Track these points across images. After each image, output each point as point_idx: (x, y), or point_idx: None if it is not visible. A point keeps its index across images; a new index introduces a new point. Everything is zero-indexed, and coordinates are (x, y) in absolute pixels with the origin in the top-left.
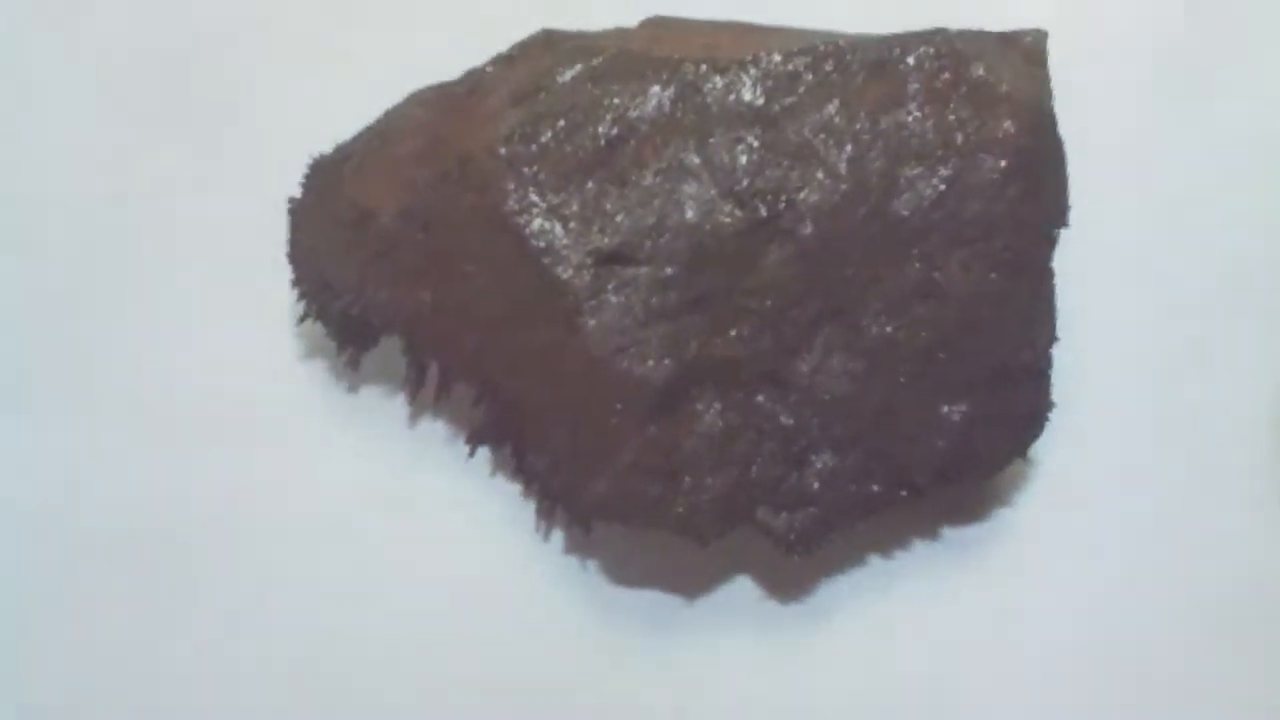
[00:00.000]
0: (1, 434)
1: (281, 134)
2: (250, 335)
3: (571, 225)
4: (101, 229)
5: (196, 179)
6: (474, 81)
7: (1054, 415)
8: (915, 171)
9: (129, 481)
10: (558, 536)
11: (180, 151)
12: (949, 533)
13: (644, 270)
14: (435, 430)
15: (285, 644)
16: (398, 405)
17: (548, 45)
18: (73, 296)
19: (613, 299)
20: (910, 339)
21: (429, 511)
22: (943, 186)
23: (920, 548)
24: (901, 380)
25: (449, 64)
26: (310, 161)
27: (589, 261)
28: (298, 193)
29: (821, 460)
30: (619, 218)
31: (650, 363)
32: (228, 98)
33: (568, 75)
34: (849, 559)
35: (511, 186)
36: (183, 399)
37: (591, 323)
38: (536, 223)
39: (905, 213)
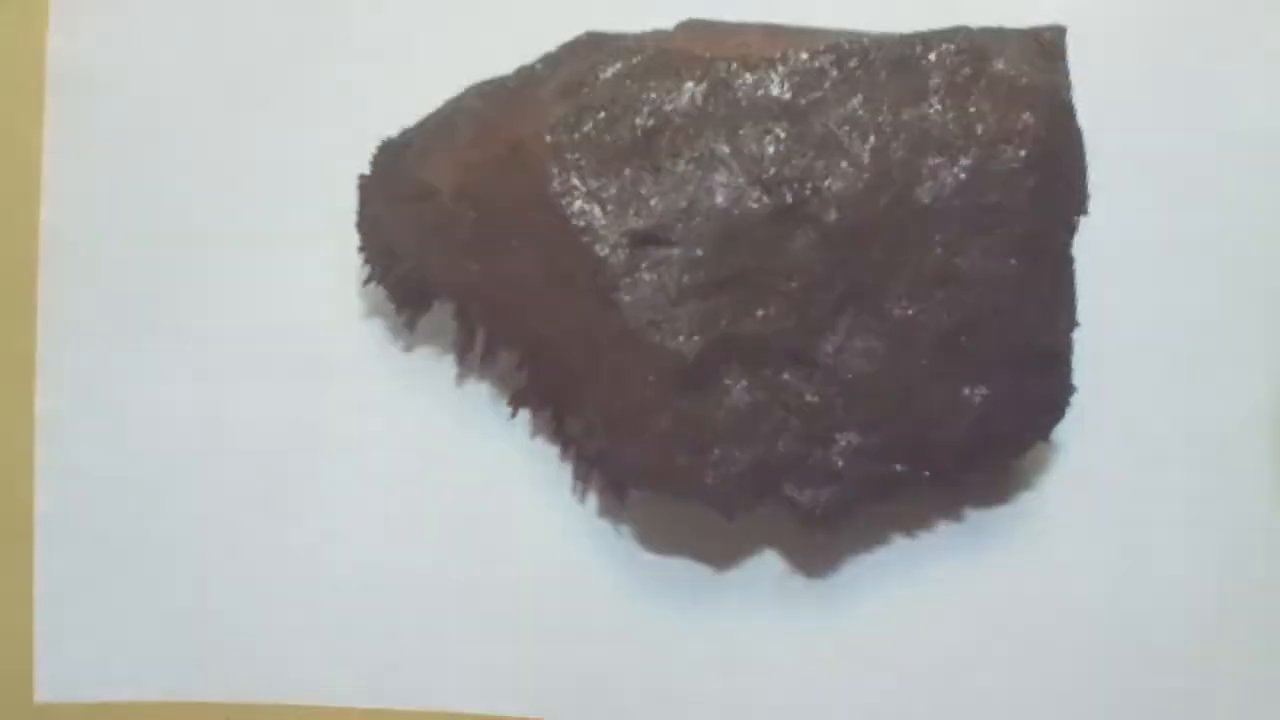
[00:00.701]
0: (115, 371)
1: (355, 120)
2: (322, 293)
3: (609, 207)
4: (200, 204)
5: (281, 159)
6: (525, 77)
7: (1076, 399)
8: (937, 161)
9: (217, 415)
10: (593, 499)
11: (266, 135)
12: (972, 514)
13: (676, 251)
14: (480, 391)
15: (331, 568)
16: (447, 365)
17: (592, 45)
18: (178, 262)
19: (646, 277)
20: (931, 322)
21: (471, 467)
22: (963, 175)
23: (943, 528)
24: (923, 362)
25: (504, 61)
26: (379, 144)
27: (624, 241)
28: (367, 171)
29: (845, 439)
30: (653, 202)
31: (681, 338)
32: (309, 87)
33: (609, 72)
34: (873, 537)
35: (555, 171)
36: (261, 348)
37: (626, 298)
38: (577, 204)
39: (927, 200)
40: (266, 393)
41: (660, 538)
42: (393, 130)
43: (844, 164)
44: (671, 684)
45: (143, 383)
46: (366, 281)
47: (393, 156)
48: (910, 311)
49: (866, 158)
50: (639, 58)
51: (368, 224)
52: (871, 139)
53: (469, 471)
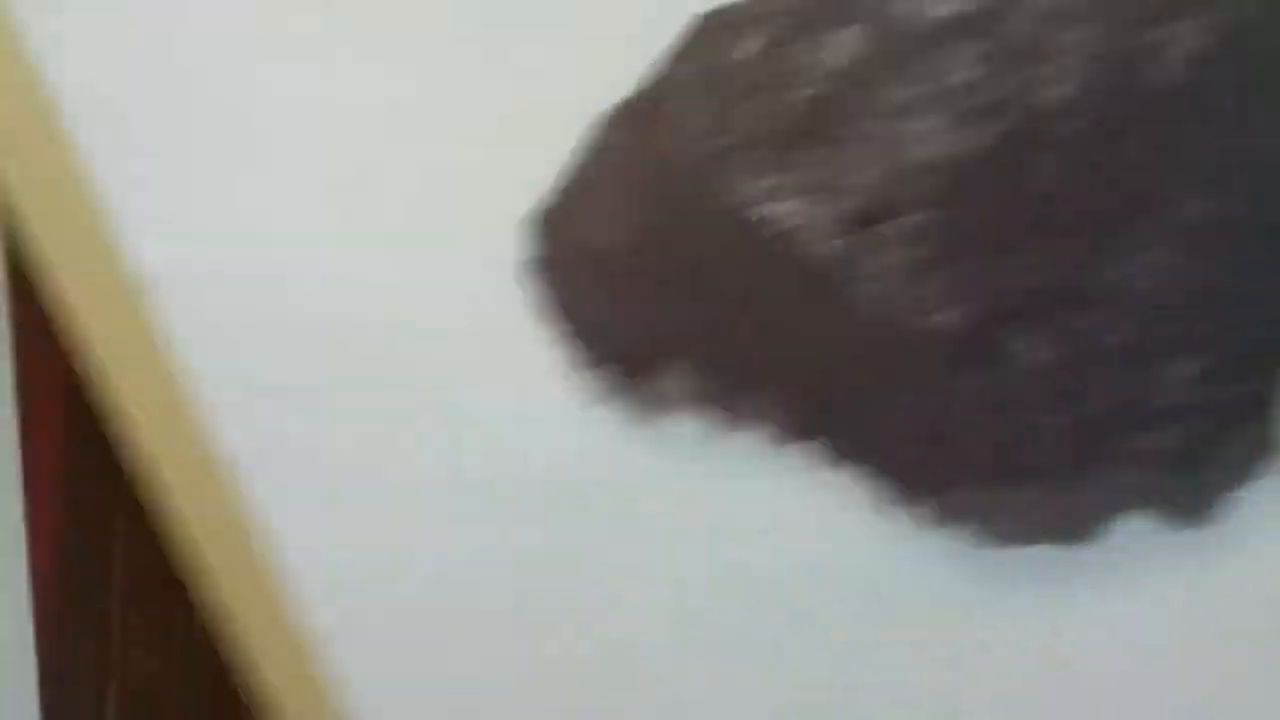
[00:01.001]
0: (314, 521)
1: (484, 191)
2: (539, 404)
3: (804, 200)
4: (355, 346)
5: (426, 259)
6: (652, 85)
7: None
8: (1173, 27)
9: (486, 566)
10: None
11: (400, 234)
12: None
13: (896, 224)
14: (742, 441)
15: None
16: (702, 427)
17: (714, 27)
18: (366, 424)
19: (876, 261)
20: (1239, 214)
21: (767, 522)
22: (1212, 37)
23: None
24: (1245, 258)
25: (617, 78)
26: (527, 219)
27: (836, 231)
28: (525, 253)
29: (1176, 369)
30: (850, 178)
31: (940, 314)
32: (414, 166)
33: (746, 50)
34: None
35: (729, 180)
36: (496, 476)
37: (864, 289)
38: (767, 209)
39: (1183, 76)
40: (529, 532)
41: (999, 534)
42: (527, 202)
43: (1058, 66)
44: (1095, 683)
45: (389, 543)
46: (581, 370)
47: (548, 226)
48: (1210, 206)
49: (1084, 49)
50: (769, 24)
51: (553, 309)
52: (1082, 26)
53: (768, 529)
